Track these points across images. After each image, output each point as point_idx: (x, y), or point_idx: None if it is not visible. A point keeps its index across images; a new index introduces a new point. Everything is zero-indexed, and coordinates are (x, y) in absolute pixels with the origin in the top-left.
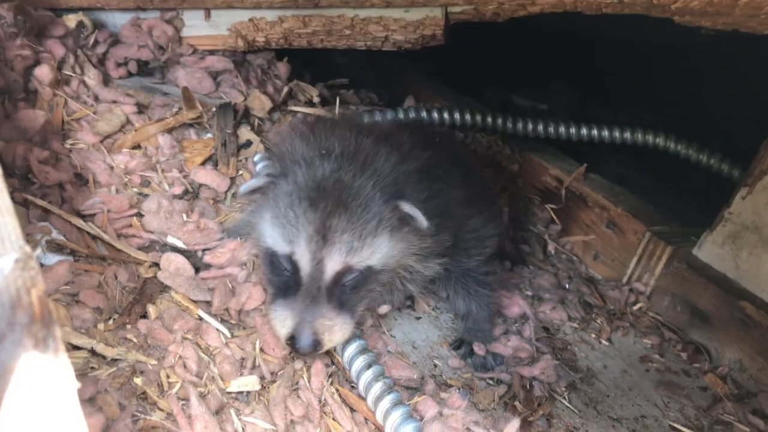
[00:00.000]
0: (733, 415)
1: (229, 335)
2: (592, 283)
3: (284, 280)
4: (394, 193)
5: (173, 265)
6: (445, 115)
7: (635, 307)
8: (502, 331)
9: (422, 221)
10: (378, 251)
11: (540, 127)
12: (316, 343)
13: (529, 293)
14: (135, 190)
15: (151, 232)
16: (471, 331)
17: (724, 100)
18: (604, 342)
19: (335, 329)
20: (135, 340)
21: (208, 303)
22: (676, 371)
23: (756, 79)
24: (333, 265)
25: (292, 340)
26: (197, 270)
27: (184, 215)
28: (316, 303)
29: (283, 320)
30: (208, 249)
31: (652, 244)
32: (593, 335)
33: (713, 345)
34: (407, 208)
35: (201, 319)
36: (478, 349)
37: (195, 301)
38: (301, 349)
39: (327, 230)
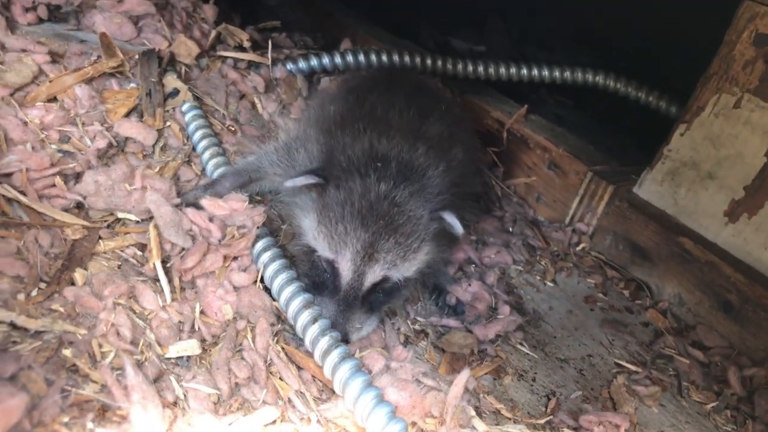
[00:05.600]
0: (674, 349)
1: (169, 298)
2: (535, 226)
3: (322, 280)
4: (438, 202)
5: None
6: (384, 58)
7: (578, 248)
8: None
9: (460, 230)
10: (416, 264)
11: (480, 68)
12: (344, 341)
13: (474, 238)
14: (54, 146)
15: (78, 193)
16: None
17: (662, 37)
18: (549, 284)
19: (362, 330)
20: (62, 309)
21: (170, 251)
22: (619, 309)
23: (693, 16)
24: (373, 277)
25: None
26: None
27: (126, 185)
28: (350, 308)
29: None
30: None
31: (593, 184)
32: (538, 277)
33: (654, 281)
34: (449, 218)
35: (146, 276)
36: (450, 298)
37: (161, 245)
38: None
39: (374, 250)
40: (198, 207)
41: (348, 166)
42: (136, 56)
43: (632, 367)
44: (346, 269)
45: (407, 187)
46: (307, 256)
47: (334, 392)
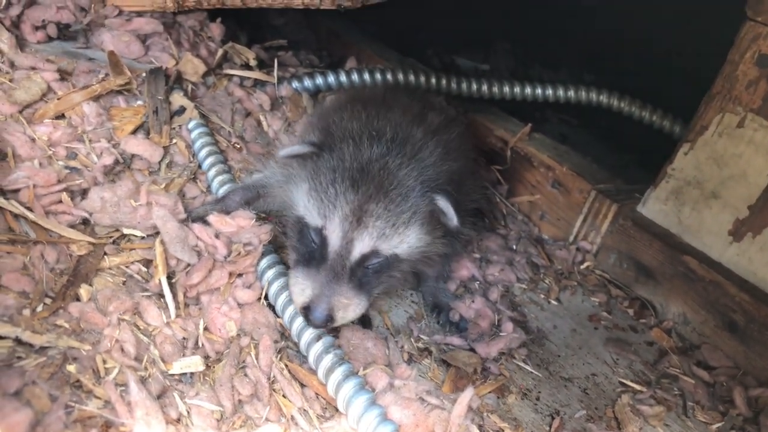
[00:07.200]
0: (678, 368)
1: (174, 314)
2: (539, 244)
3: (310, 251)
4: (433, 187)
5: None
6: (389, 76)
7: (582, 266)
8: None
9: (454, 219)
10: (407, 241)
11: (485, 87)
12: (329, 318)
13: (477, 255)
14: (61, 163)
15: (85, 210)
16: (430, 290)
17: (665, 56)
18: (553, 302)
19: (350, 308)
20: (66, 325)
21: (175, 266)
22: (623, 328)
23: (696, 36)
24: (361, 247)
25: (306, 310)
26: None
27: (132, 201)
28: (337, 280)
29: (302, 289)
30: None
31: (597, 202)
32: (542, 296)
33: (658, 300)
34: (442, 204)
35: (151, 292)
36: (453, 314)
37: (167, 261)
38: (313, 320)
39: (363, 213)
40: (206, 222)
41: (343, 135)
42: (144, 74)
43: (637, 387)
44: (334, 235)
45: (401, 156)
46: (296, 228)
47: (337, 410)
